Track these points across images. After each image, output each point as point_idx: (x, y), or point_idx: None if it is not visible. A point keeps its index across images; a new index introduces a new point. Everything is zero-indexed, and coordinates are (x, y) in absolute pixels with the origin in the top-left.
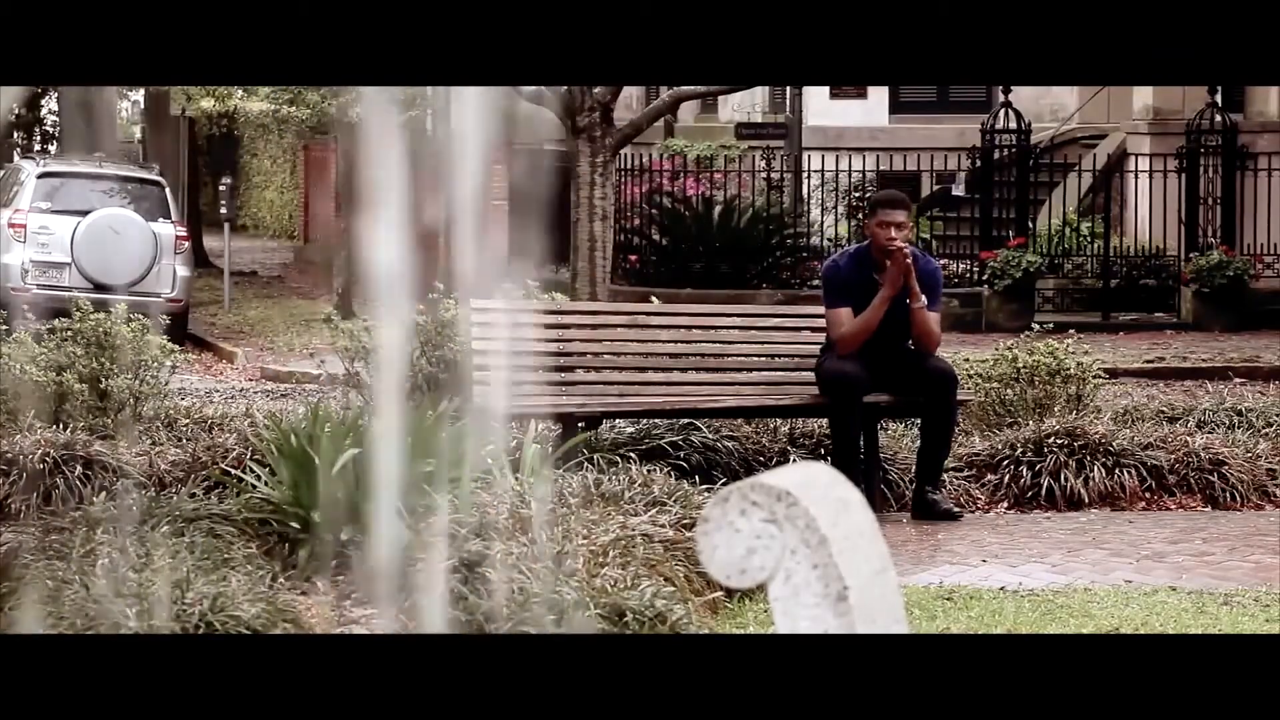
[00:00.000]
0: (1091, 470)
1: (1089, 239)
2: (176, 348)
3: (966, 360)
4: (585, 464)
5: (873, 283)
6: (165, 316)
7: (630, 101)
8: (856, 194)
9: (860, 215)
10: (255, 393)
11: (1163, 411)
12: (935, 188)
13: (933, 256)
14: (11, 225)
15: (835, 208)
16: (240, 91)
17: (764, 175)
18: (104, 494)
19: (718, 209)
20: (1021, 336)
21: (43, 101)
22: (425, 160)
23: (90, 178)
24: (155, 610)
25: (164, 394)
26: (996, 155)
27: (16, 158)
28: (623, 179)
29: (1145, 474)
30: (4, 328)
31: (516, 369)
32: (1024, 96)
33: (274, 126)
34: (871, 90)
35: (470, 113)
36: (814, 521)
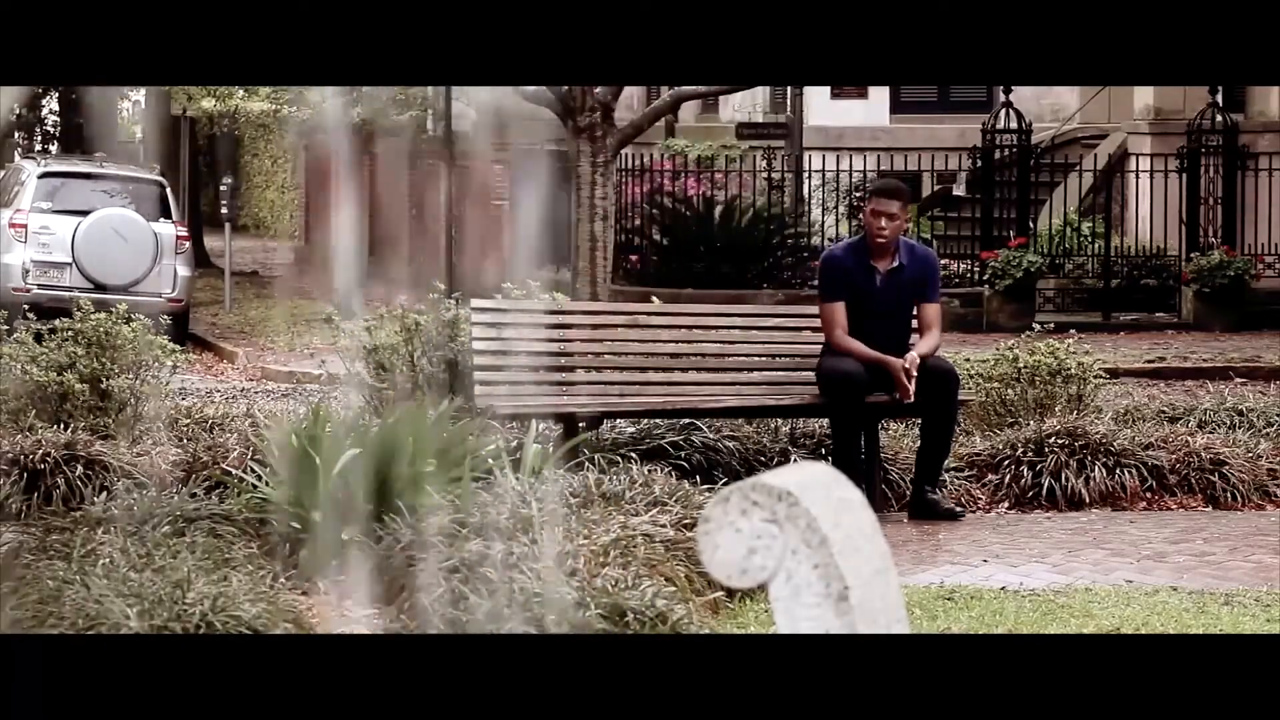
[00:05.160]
0: (1092, 470)
1: (1090, 239)
2: (178, 348)
3: (967, 360)
4: (586, 464)
5: (870, 272)
6: (166, 316)
7: (631, 101)
8: (857, 194)
9: (861, 214)
10: (256, 393)
11: (1163, 411)
12: (936, 187)
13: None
14: (12, 225)
15: (836, 208)
16: (240, 91)
17: (765, 175)
18: (104, 494)
19: (719, 209)
20: (1022, 336)
21: (43, 102)
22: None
23: (91, 178)
24: (156, 610)
25: (165, 394)
26: (997, 155)
27: (17, 158)
28: (623, 179)
29: (1146, 474)
30: (5, 328)
31: (517, 369)
32: (1025, 96)
33: (274, 126)
34: (872, 90)
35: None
36: (815, 521)
